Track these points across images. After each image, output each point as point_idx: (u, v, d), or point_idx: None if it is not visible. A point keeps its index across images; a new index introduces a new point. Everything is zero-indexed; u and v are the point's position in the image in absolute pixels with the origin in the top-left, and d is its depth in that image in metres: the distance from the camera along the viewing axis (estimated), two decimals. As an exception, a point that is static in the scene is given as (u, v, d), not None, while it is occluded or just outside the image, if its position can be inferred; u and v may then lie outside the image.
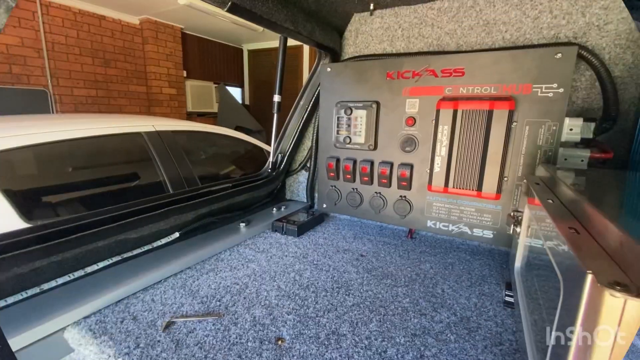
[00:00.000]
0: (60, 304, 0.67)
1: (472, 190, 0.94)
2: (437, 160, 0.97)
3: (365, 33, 1.25)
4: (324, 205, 1.26)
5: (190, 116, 5.95)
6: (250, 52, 7.15)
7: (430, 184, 1.00)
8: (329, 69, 1.16)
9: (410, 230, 1.17)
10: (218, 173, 2.61)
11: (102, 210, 0.86)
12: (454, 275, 0.88)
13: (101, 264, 0.82)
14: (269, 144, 1.46)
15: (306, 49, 5.97)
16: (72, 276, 0.76)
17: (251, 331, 0.64)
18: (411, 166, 1.04)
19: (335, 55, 1.29)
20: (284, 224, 1.16)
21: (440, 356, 0.58)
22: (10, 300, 0.67)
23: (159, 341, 0.61)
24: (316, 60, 1.33)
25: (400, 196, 1.09)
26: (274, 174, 1.42)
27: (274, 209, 1.35)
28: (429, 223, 1.05)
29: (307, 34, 1.06)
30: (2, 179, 1.43)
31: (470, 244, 1.10)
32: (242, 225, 1.15)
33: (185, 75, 5.84)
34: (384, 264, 0.94)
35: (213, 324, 0.66)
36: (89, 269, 0.80)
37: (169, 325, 0.65)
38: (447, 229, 1.03)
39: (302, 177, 1.47)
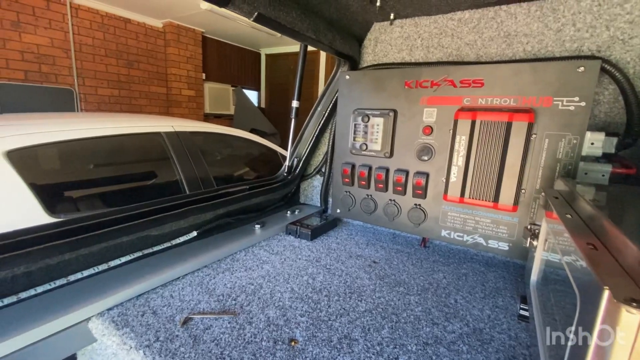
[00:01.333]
0: (85, 296, 0.71)
1: (489, 201, 0.93)
2: (454, 169, 0.97)
3: (385, 42, 1.27)
4: (338, 211, 1.27)
5: (207, 117, 6.08)
6: (268, 56, 7.27)
7: (446, 193, 1.00)
8: (347, 77, 1.18)
9: (423, 239, 1.16)
10: (232, 174, 2.65)
11: (127, 208, 0.90)
12: (468, 286, 0.87)
13: (123, 259, 0.86)
14: (283, 147, 1.49)
15: (323, 54, 6.02)
16: (96, 269, 0.80)
17: (265, 331, 0.65)
18: (427, 175, 1.05)
19: (354, 63, 1.30)
20: (298, 227, 1.17)
21: None
22: (40, 289, 0.71)
23: (177, 336, 0.63)
24: (335, 67, 1.35)
25: (415, 204, 1.09)
26: (290, 177, 1.44)
27: (288, 212, 1.37)
28: (444, 232, 1.05)
29: (328, 42, 1.09)
30: (29, 174, 1.49)
31: (484, 255, 1.09)
32: (257, 227, 1.17)
33: (204, 77, 5.99)
34: (396, 271, 0.94)
35: (229, 322, 0.68)
36: (112, 263, 0.83)
37: (186, 321, 0.67)
38: (462, 239, 1.02)
39: (317, 181, 1.49)
